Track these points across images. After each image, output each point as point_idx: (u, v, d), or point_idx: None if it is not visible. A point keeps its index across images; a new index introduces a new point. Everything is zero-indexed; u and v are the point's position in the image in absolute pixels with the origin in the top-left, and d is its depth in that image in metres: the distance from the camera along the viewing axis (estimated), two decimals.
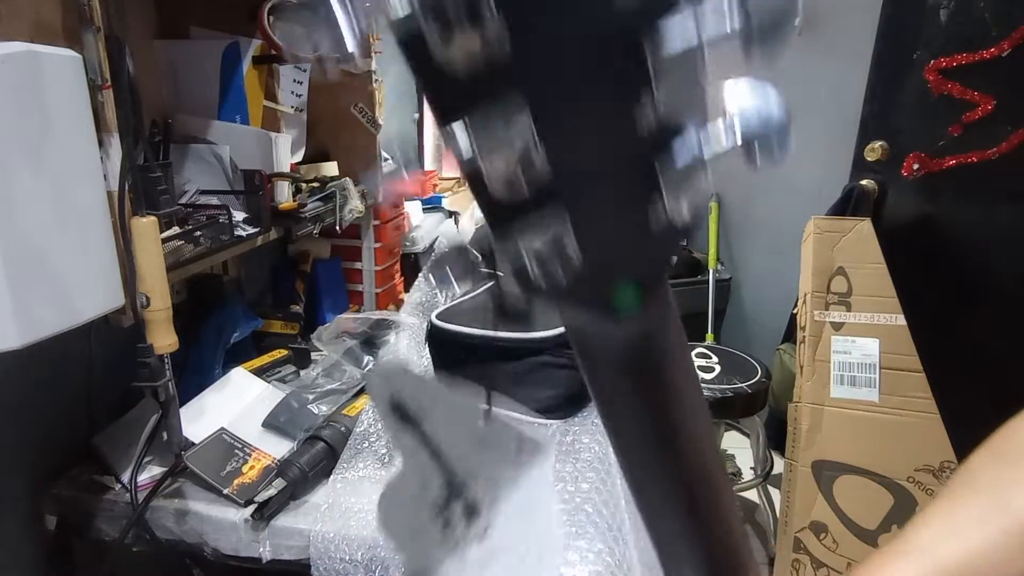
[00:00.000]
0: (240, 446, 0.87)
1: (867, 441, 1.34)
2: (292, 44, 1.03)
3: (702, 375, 1.90)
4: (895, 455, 1.32)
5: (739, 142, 0.17)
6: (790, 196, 1.91)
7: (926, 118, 1.47)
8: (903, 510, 1.32)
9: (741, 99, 0.18)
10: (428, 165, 2.27)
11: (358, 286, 1.46)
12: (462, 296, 0.99)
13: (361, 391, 1.03)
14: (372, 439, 0.90)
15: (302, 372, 1.13)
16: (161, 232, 0.74)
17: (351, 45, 0.18)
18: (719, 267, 2.30)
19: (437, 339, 0.97)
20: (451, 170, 2.54)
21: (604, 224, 0.18)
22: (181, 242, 0.82)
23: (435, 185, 1.99)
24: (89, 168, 0.64)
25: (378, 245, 1.44)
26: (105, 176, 0.66)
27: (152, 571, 0.90)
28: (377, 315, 1.18)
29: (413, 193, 1.63)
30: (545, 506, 0.36)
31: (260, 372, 1.06)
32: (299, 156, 1.25)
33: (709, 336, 2.22)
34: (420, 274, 1.15)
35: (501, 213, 0.18)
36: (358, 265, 1.45)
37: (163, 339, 0.74)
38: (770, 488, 1.86)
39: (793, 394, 1.42)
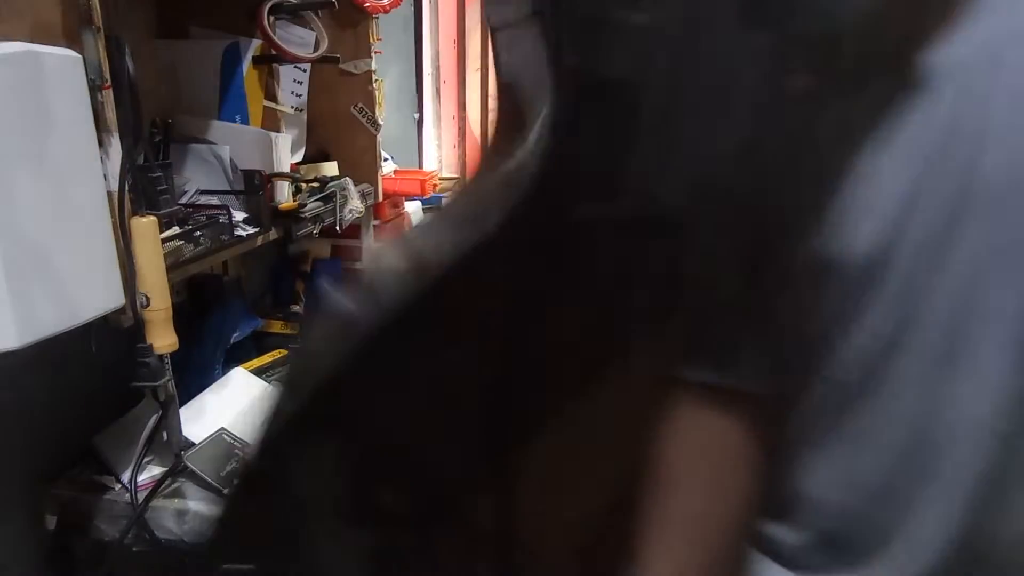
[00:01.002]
0: (240, 446, 0.87)
1: None
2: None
3: None
4: None
5: None
6: None
7: None
8: None
9: None
10: (428, 165, 2.26)
11: None
12: None
13: None
14: None
15: None
16: (161, 232, 0.74)
17: None
18: None
19: None
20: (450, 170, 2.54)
21: None
22: (181, 242, 0.82)
23: (435, 185, 1.99)
24: (89, 168, 0.64)
25: None
26: (105, 176, 0.66)
27: (152, 571, 0.90)
28: None
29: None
30: None
31: (260, 372, 1.06)
32: (299, 156, 1.24)
33: None
34: None
35: None
36: (358, 265, 1.45)
37: (163, 339, 0.74)
38: None
39: None
